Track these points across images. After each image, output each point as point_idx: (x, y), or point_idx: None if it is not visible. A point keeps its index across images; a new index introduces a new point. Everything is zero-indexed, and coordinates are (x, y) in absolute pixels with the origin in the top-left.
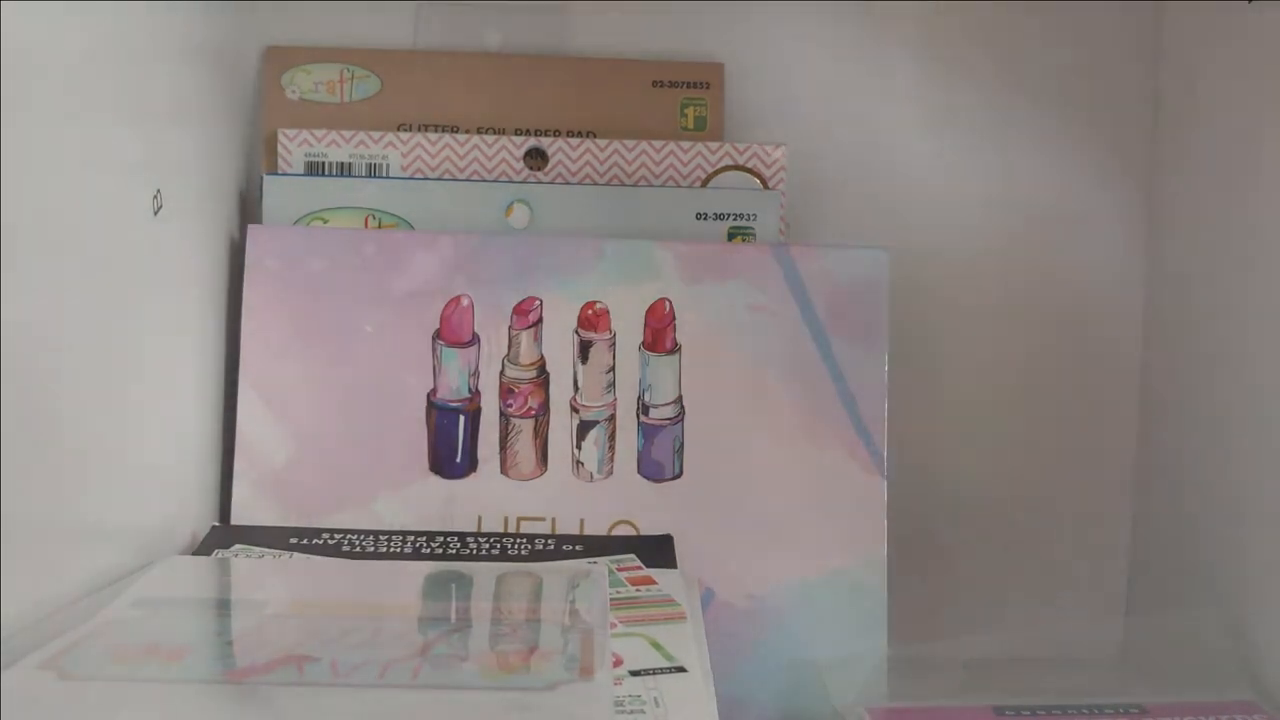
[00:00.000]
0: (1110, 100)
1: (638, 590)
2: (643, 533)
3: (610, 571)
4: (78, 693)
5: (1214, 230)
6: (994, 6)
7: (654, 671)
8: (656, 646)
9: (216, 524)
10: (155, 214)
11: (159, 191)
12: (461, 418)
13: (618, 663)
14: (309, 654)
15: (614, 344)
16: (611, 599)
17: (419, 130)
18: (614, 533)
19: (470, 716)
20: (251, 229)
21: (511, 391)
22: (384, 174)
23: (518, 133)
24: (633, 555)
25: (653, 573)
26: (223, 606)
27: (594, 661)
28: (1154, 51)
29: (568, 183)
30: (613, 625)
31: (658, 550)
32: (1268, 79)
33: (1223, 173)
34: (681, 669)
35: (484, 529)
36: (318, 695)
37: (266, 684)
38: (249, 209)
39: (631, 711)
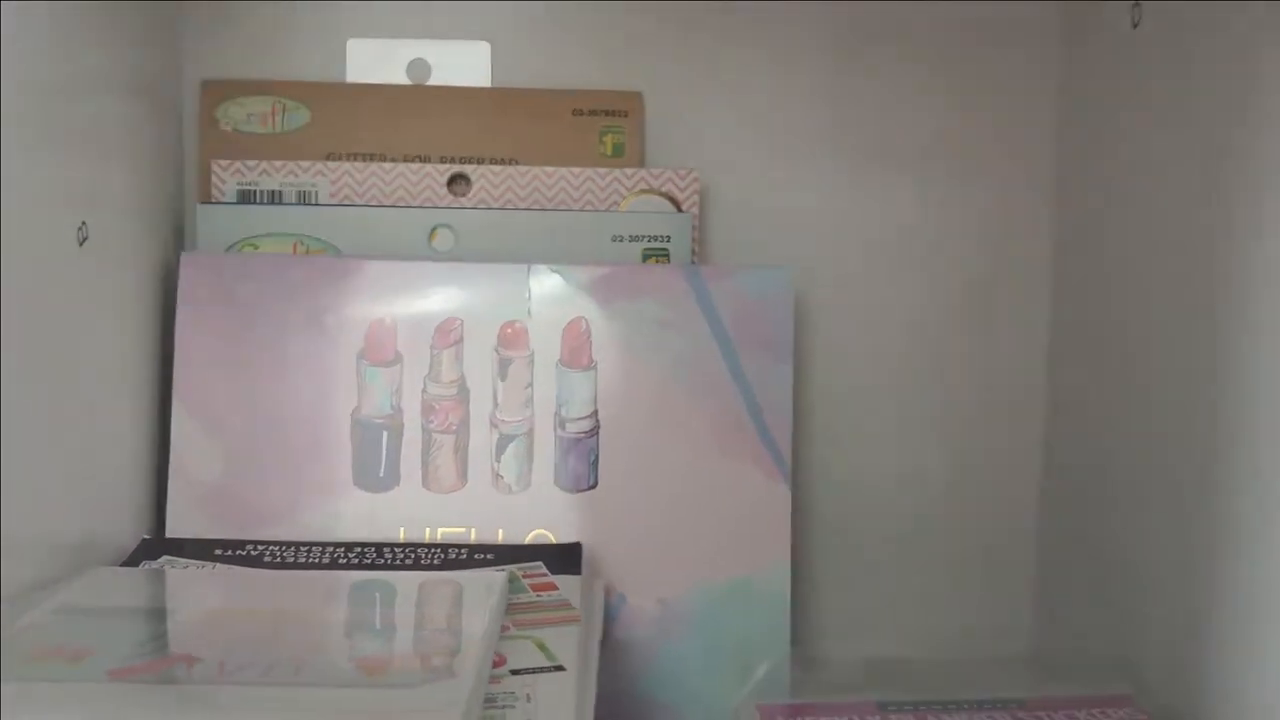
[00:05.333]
0: (1013, 117)
1: (538, 596)
2: (559, 539)
3: (514, 578)
4: None
5: (1120, 237)
6: (903, 44)
7: (533, 670)
8: (542, 648)
9: (147, 536)
10: (80, 245)
11: (84, 223)
12: (384, 433)
13: (500, 663)
14: (199, 655)
15: (532, 361)
16: (511, 603)
17: (347, 159)
18: (530, 540)
19: (327, 712)
20: (185, 257)
21: (433, 408)
22: (313, 201)
23: (442, 160)
24: (540, 563)
25: (557, 579)
26: (139, 614)
27: (465, 662)
28: (1057, 72)
29: (490, 208)
30: (505, 629)
31: (566, 557)
32: (1160, 102)
33: (1127, 183)
34: (560, 668)
35: (406, 541)
36: (191, 691)
37: (144, 682)
38: (183, 237)
39: (502, 706)
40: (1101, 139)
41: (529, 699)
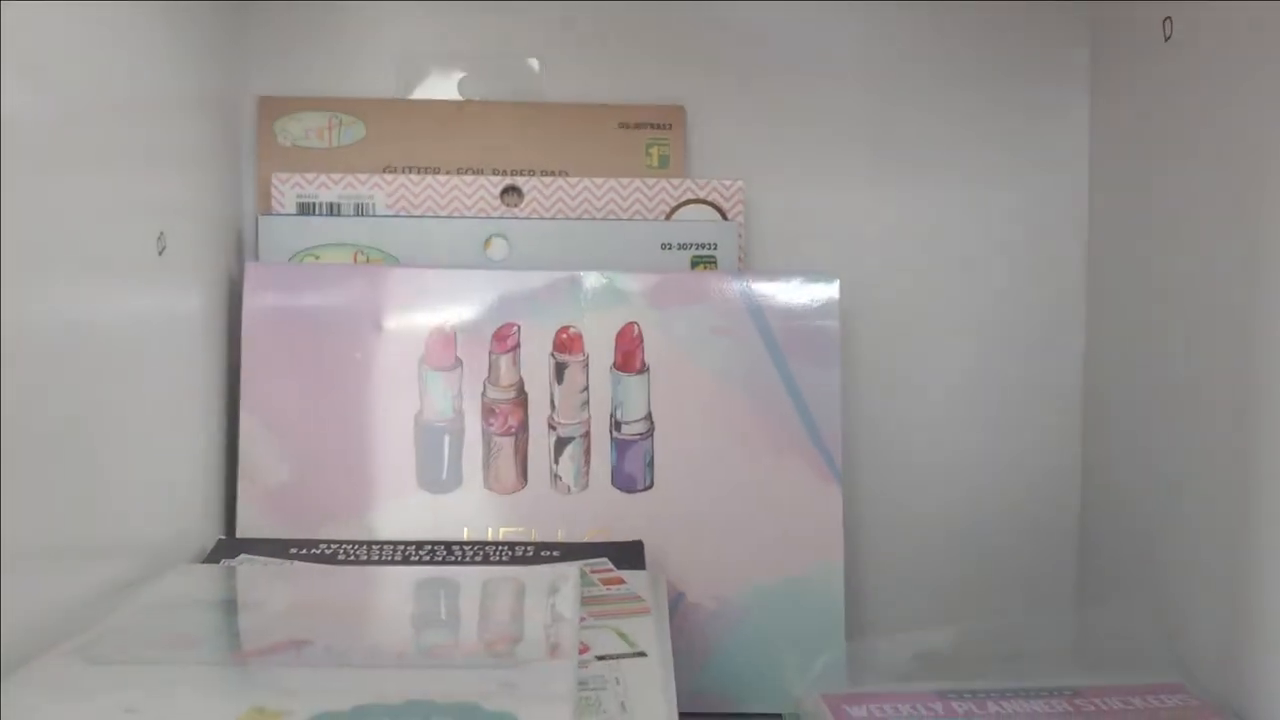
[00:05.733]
0: (1046, 126)
1: (607, 589)
2: (617, 538)
3: (583, 573)
4: (103, 674)
5: (1154, 244)
6: (934, 52)
7: (617, 656)
8: (621, 636)
9: (223, 537)
10: (160, 254)
11: (162, 233)
12: (446, 436)
13: (585, 650)
14: (306, 639)
15: (587, 365)
16: (584, 597)
17: (402, 172)
18: (589, 539)
19: (456, 690)
20: (249, 266)
21: (492, 411)
22: (370, 213)
23: (495, 173)
24: (605, 559)
25: (623, 574)
26: (229, 606)
27: (562, 648)
28: (1089, 85)
29: (542, 218)
30: (583, 619)
31: (628, 554)
32: (1193, 113)
33: (1161, 192)
34: (642, 654)
35: (472, 539)
36: (315, 672)
37: (268, 663)
38: (246, 247)
39: (595, 689)
40: (1135, 149)
41: (617, 681)
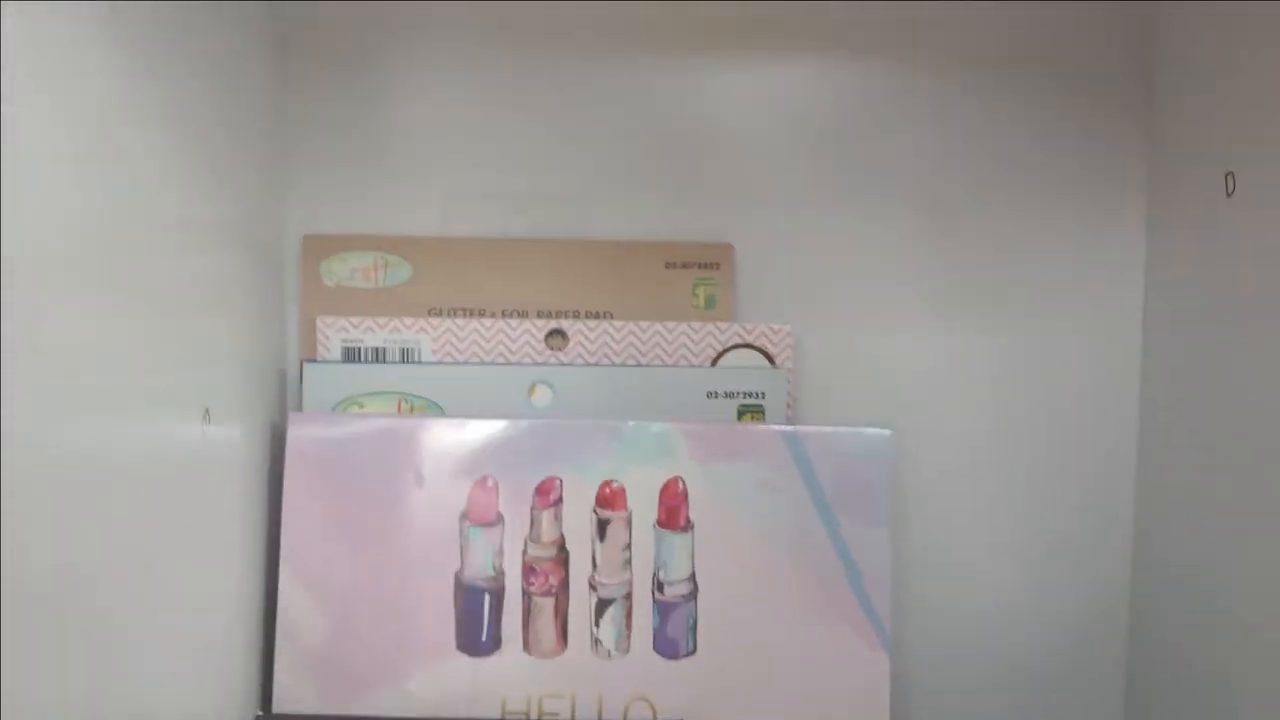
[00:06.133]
0: (1103, 279)
1: None
2: (659, 708)
3: None
4: None
5: (1207, 410)
6: (993, 201)
7: None
8: None
9: (260, 714)
10: (205, 425)
11: (208, 410)
12: (487, 596)
13: None
14: None
15: (630, 521)
16: None
17: (448, 315)
18: (631, 710)
19: None
20: (293, 417)
21: (533, 570)
22: (416, 358)
23: (540, 314)
24: None
25: None
26: None
27: None
28: (1145, 235)
29: (587, 363)
30: None
31: None
32: (1250, 270)
33: (1215, 349)
34: None
35: (508, 707)
36: None
37: None
38: (290, 391)
39: None
40: (1192, 302)
41: None
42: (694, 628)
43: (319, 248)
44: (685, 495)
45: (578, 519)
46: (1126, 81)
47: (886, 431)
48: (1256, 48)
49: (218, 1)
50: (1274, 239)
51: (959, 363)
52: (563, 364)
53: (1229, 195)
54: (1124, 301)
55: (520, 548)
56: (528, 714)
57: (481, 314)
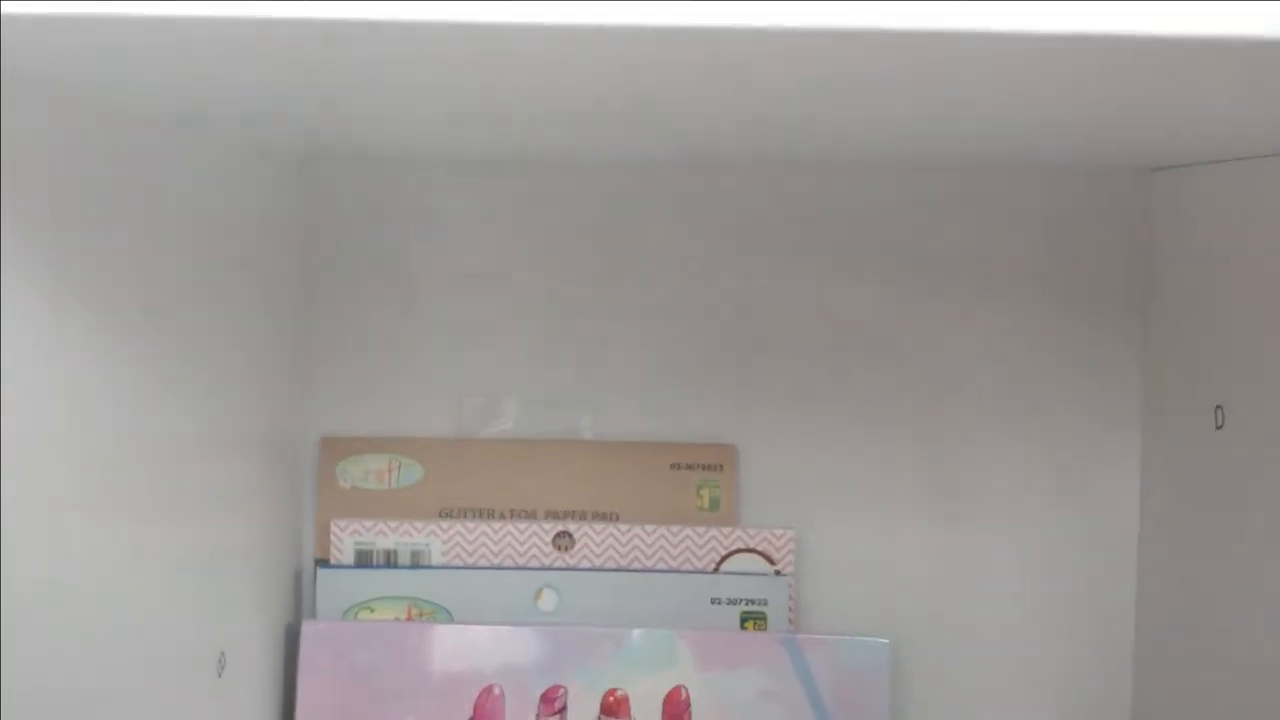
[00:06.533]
0: (1098, 506)
1: None
2: None
3: None
4: None
5: (1202, 626)
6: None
7: None
8: None
9: None
10: (219, 675)
11: (223, 654)
12: None
13: None
14: None
15: None
16: None
17: (458, 516)
18: None
19: None
20: (306, 626)
21: None
22: (426, 562)
23: (548, 514)
24: None
25: None
26: None
27: None
28: (1140, 463)
29: (593, 566)
30: None
31: None
32: (1240, 499)
33: (1207, 573)
34: None
35: None
36: None
37: None
38: (304, 590)
39: None
40: (1183, 527)
41: None
42: None
43: (335, 450)
44: (688, 704)
45: None
46: (1124, 306)
47: (885, 640)
48: (1247, 284)
49: (242, 211)
50: (1261, 470)
51: (959, 559)
52: (569, 567)
53: (1218, 428)
54: (1120, 511)
55: None
56: None
57: (491, 514)
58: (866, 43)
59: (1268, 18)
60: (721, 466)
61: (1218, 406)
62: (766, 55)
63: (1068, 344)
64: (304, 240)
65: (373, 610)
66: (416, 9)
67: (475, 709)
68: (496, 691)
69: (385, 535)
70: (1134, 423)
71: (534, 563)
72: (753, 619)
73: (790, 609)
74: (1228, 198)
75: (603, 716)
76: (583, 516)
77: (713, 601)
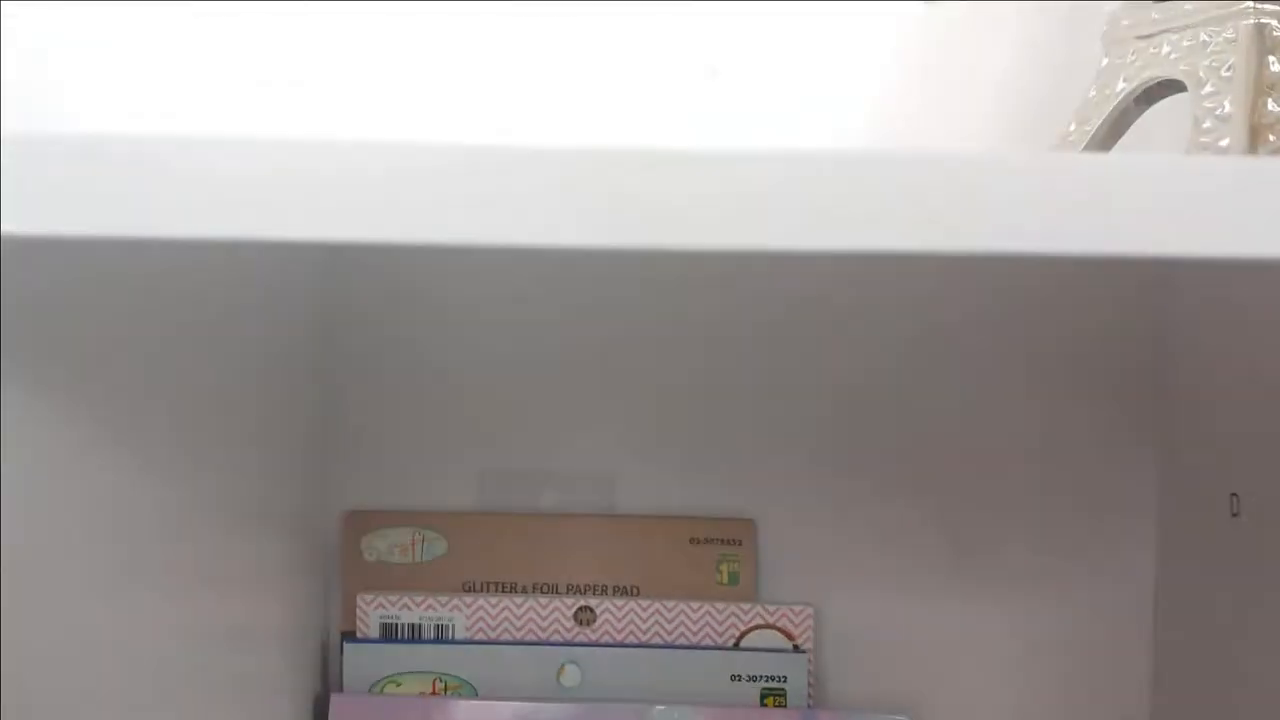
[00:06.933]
0: (1114, 592)
1: None
2: None
3: None
4: None
5: (1215, 704)
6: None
7: None
8: None
9: None
10: None
11: None
12: None
13: None
14: None
15: None
16: None
17: (481, 590)
18: None
19: None
20: (335, 700)
21: None
22: (450, 636)
23: (570, 589)
24: None
25: None
26: None
27: None
28: (1155, 552)
29: (614, 642)
30: None
31: None
32: (1256, 588)
33: (1224, 659)
34: None
35: None
36: None
37: None
38: (331, 665)
39: None
40: (1200, 616)
41: None
42: None
43: (359, 523)
44: None
45: None
46: (1140, 392)
47: (903, 718)
48: (1261, 371)
49: (264, 287)
50: (1277, 556)
51: (977, 642)
52: (591, 643)
53: (1234, 516)
54: (1136, 593)
55: None
56: None
57: (513, 588)
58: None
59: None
60: (740, 541)
61: (1233, 494)
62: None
63: (1084, 427)
64: (327, 312)
65: (399, 684)
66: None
67: None
68: None
69: (410, 609)
70: (1150, 506)
71: (556, 637)
72: (772, 695)
73: (810, 684)
74: (1242, 287)
75: None
76: (604, 591)
77: (733, 678)
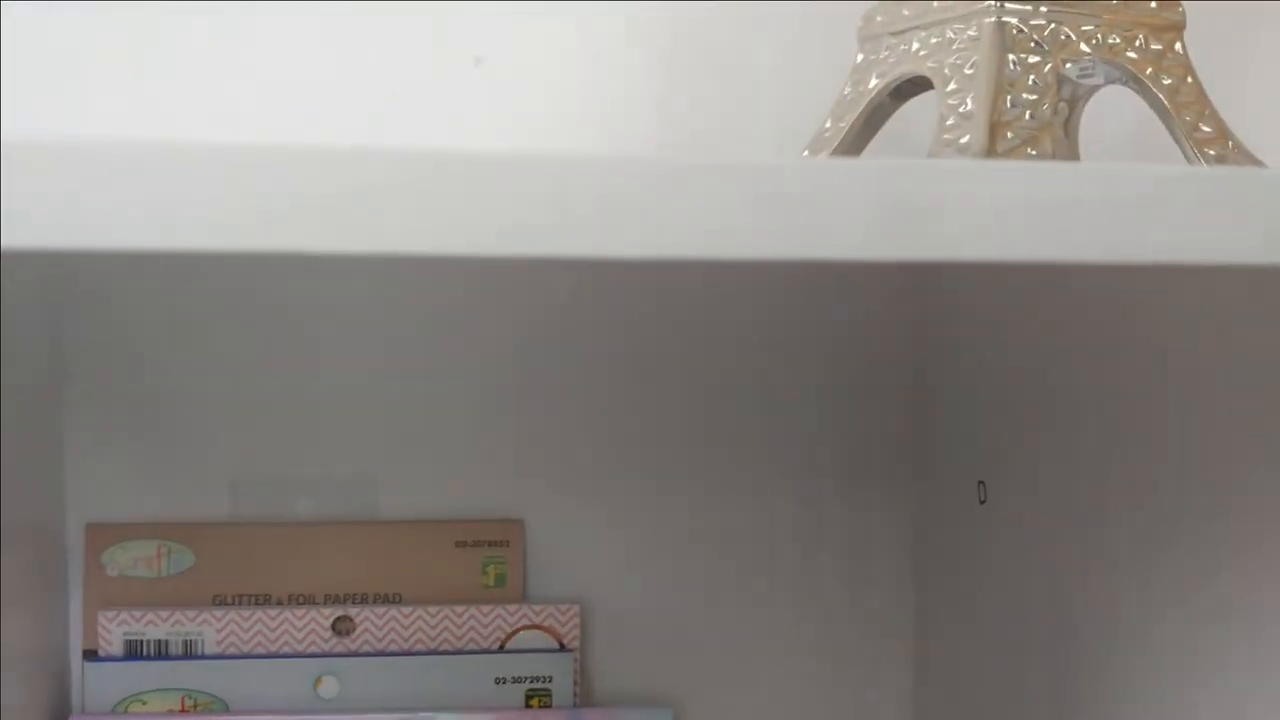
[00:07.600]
0: (872, 600)
1: None
2: None
3: None
4: None
5: (977, 680)
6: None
7: None
8: None
9: None
10: None
11: None
12: None
13: None
14: None
15: None
16: None
17: (233, 603)
18: None
19: None
20: None
21: None
22: (199, 651)
23: (328, 599)
24: None
25: None
26: None
27: None
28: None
29: (374, 651)
30: None
31: None
32: (1005, 569)
33: (981, 639)
34: None
35: None
36: None
37: None
38: (72, 688)
39: None
40: (956, 601)
41: None
42: None
43: (101, 537)
44: None
45: None
46: (898, 387)
47: (668, 709)
48: (1005, 367)
49: None
50: (1020, 537)
51: (746, 633)
52: (350, 653)
53: (982, 503)
54: (894, 576)
55: None
56: None
57: (267, 600)
58: None
59: None
60: (508, 542)
61: (980, 482)
62: None
63: (844, 426)
64: (58, 317)
65: (144, 703)
66: None
67: None
68: None
69: (156, 625)
70: (909, 501)
71: (313, 649)
72: (538, 696)
73: (576, 683)
74: (992, 292)
75: None
76: (364, 600)
77: (497, 681)
